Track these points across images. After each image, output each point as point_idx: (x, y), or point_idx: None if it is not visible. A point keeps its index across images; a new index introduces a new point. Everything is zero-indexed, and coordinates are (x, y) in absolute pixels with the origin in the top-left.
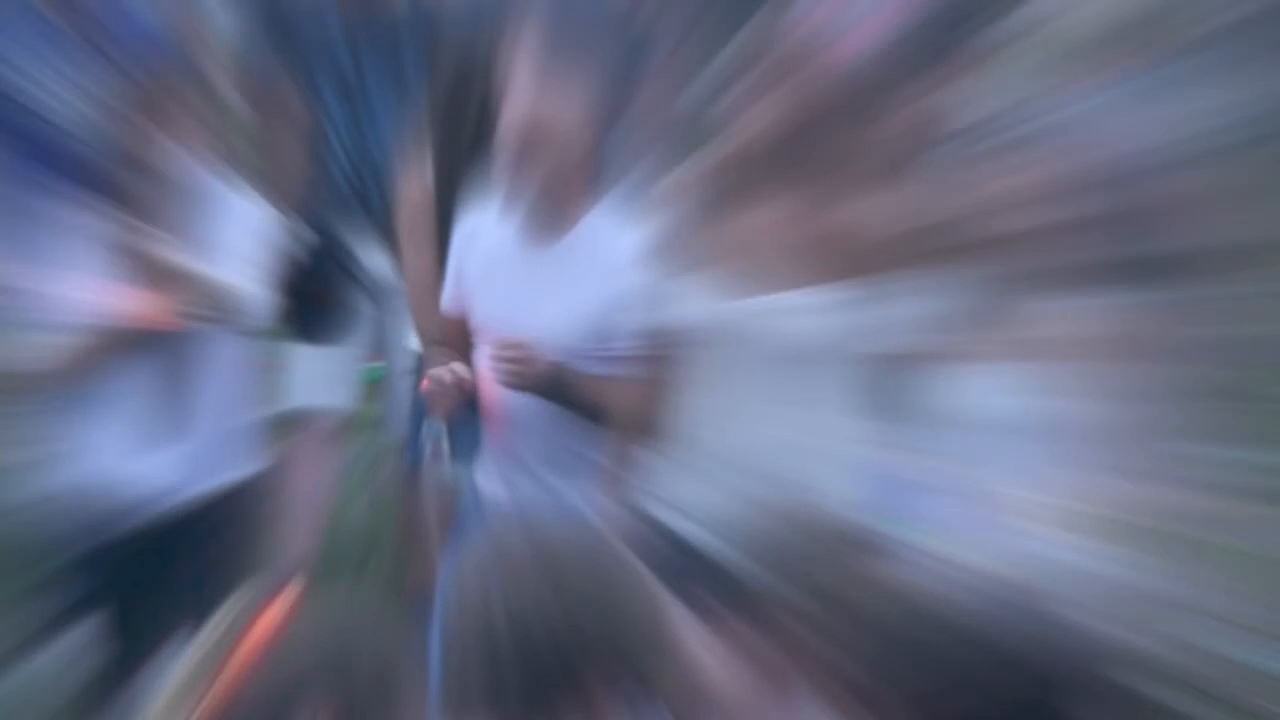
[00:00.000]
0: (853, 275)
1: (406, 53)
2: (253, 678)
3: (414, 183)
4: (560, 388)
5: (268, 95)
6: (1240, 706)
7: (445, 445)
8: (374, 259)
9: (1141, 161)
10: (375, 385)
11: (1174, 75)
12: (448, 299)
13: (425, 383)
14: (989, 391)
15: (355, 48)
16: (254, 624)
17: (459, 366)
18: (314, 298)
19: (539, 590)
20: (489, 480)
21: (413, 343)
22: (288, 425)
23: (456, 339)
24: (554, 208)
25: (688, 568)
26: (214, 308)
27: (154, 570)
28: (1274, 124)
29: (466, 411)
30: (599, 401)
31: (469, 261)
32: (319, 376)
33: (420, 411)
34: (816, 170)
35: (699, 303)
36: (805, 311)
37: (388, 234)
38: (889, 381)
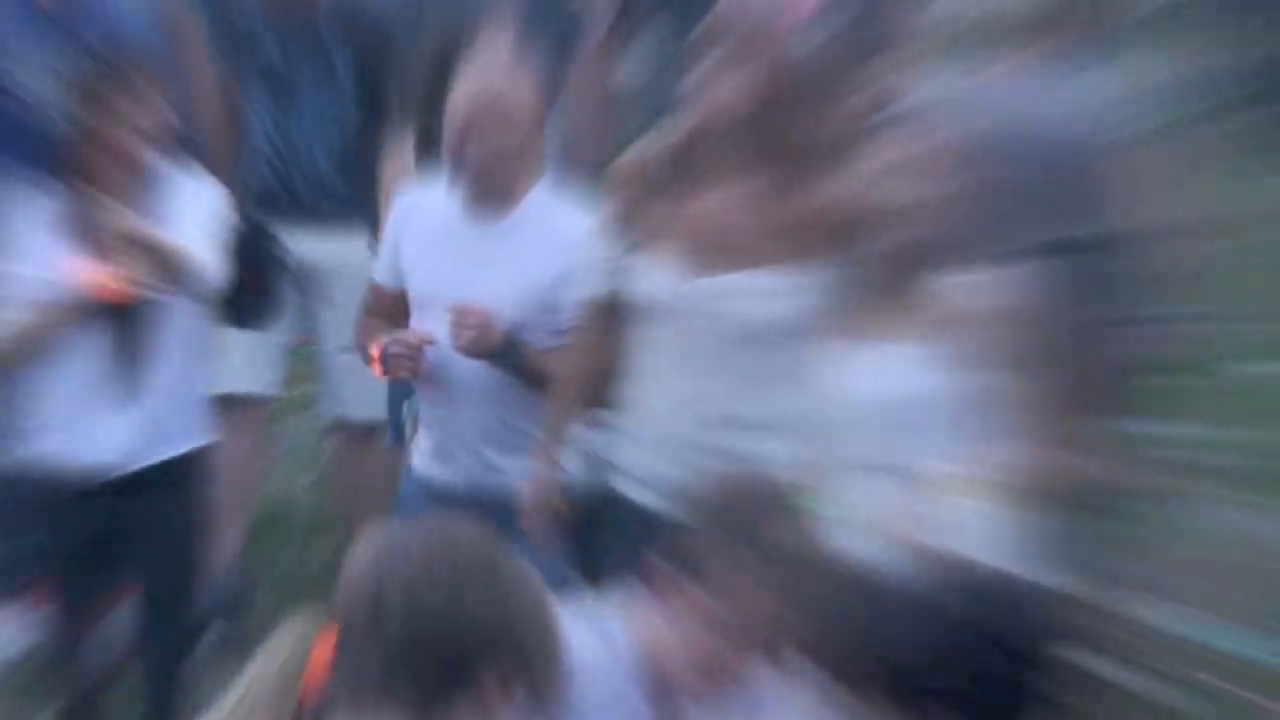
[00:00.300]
0: (803, 258)
1: (333, 46)
2: (313, 700)
3: (396, 162)
4: (514, 357)
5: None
6: (1167, 674)
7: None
8: (301, 245)
9: (1059, 141)
10: (307, 366)
11: (1094, 59)
12: (381, 272)
13: (377, 348)
14: (908, 368)
15: (282, 40)
16: (315, 650)
17: (417, 330)
18: (241, 283)
19: (435, 584)
20: (423, 458)
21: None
22: (217, 409)
23: (390, 310)
24: (499, 183)
25: (639, 533)
26: (167, 274)
27: (99, 539)
28: (1192, 107)
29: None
30: (548, 373)
31: (407, 235)
32: (246, 361)
33: (400, 390)
34: (772, 154)
35: (647, 280)
36: (751, 294)
37: (315, 220)
38: (814, 361)
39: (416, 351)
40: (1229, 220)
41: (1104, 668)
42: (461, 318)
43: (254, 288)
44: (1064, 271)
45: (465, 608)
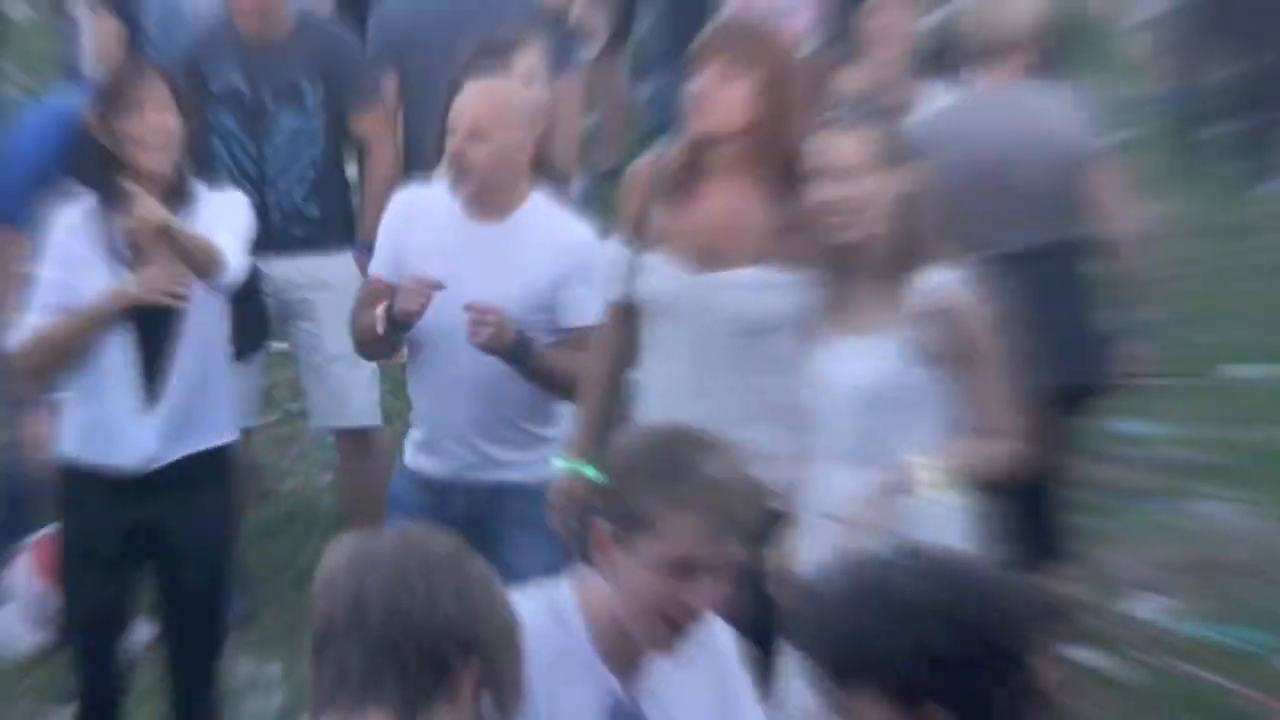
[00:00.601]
0: (799, 255)
1: (300, 72)
2: None
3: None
4: (525, 355)
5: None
6: (1149, 664)
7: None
8: (277, 268)
9: (1040, 150)
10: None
11: (1070, 74)
12: (381, 265)
13: (383, 303)
14: (889, 360)
15: (250, 67)
16: None
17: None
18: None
19: (411, 586)
20: (415, 451)
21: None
22: None
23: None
24: (500, 186)
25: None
26: (198, 268)
27: (128, 534)
28: (1171, 119)
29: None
30: (556, 370)
31: (409, 232)
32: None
33: None
34: (769, 159)
35: (654, 278)
36: (750, 289)
37: (291, 244)
38: (804, 353)
39: (427, 289)
40: (1209, 229)
41: (1084, 657)
42: (480, 315)
43: (238, 321)
44: (1044, 274)
45: (441, 608)
